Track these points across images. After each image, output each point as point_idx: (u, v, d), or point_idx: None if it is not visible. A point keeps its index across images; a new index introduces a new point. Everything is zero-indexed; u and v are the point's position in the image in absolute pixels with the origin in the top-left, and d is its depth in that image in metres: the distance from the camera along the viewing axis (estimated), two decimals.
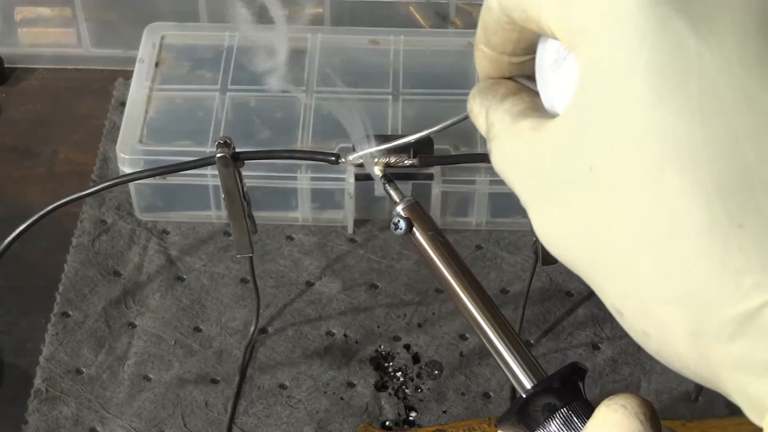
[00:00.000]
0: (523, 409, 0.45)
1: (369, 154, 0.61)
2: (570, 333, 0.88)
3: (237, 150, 0.69)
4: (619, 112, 0.34)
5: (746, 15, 0.34)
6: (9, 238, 0.74)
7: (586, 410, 0.44)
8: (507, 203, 0.92)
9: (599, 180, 0.35)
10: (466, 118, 0.46)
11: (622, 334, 0.87)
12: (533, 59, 0.42)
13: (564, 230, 0.37)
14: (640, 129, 0.34)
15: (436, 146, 0.87)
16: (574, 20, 0.36)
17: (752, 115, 0.33)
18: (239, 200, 0.70)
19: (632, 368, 0.85)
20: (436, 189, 0.91)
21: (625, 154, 0.34)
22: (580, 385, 0.46)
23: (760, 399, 0.32)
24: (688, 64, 0.33)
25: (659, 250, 0.33)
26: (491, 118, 0.42)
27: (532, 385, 0.48)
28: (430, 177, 0.90)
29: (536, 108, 0.41)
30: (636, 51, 0.34)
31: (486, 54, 0.43)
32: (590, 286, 0.38)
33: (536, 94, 0.42)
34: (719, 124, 0.33)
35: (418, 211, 0.56)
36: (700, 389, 0.83)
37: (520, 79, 0.44)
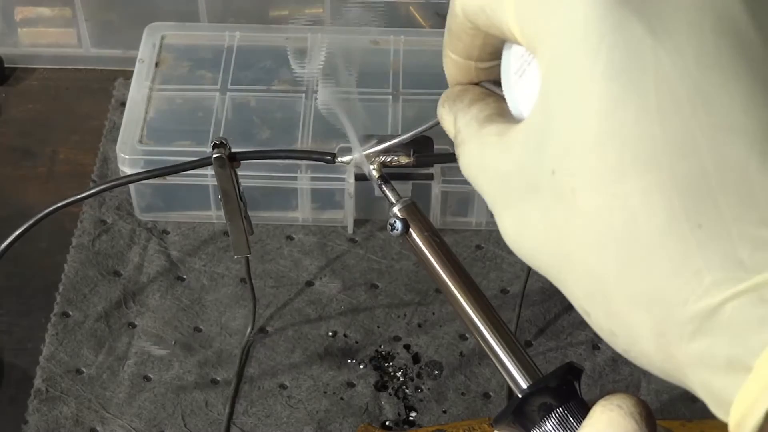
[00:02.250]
0: (519, 409, 0.45)
1: (364, 154, 0.61)
2: (570, 332, 0.88)
3: (233, 150, 0.69)
4: (579, 116, 0.34)
5: (702, 15, 0.34)
6: (9, 240, 0.74)
7: (582, 410, 0.44)
8: None
9: (561, 184, 0.35)
10: (437, 123, 0.46)
11: None
12: (500, 64, 0.42)
13: (528, 233, 0.37)
14: (600, 132, 0.34)
15: (436, 146, 0.87)
16: (534, 25, 0.37)
17: (709, 115, 0.33)
18: (236, 201, 0.70)
19: (632, 368, 0.85)
20: (436, 189, 0.91)
21: (586, 158, 0.34)
22: (576, 384, 0.46)
23: (724, 395, 0.32)
24: (645, 66, 0.33)
25: (620, 252, 0.34)
26: (458, 123, 0.42)
27: (528, 384, 0.48)
28: (430, 177, 0.90)
29: (502, 113, 0.41)
30: (594, 55, 0.34)
31: (453, 60, 0.44)
32: (560, 289, 0.38)
33: (503, 99, 0.42)
34: (677, 125, 0.33)
35: (415, 212, 0.56)
36: None
37: (487, 85, 0.44)
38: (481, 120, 0.41)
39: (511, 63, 0.41)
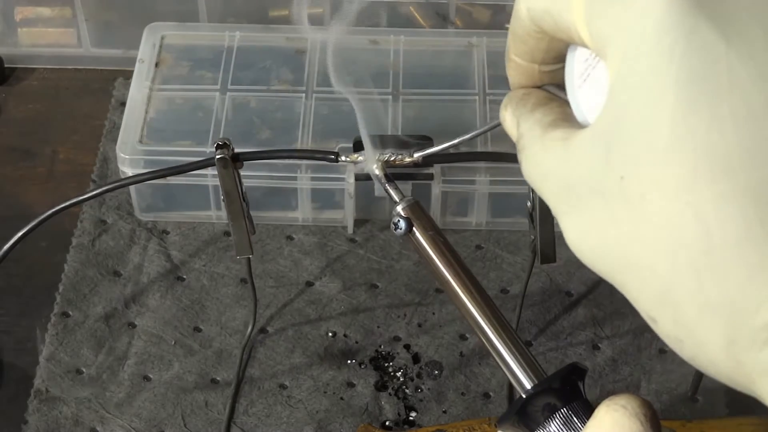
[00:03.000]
0: (523, 410, 0.45)
1: (368, 153, 0.61)
2: (570, 333, 0.88)
3: (236, 151, 0.69)
4: (650, 122, 0.34)
5: None
6: (11, 242, 0.74)
7: (586, 410, 0.44)
8: (507, 203, 0.92)
9: (630, 191, 0.35)
10: (499, 125, 0.46)
11: (622, 334, 0.87)
12: (564, 68, 0.42)
13: (596, 240, 0.37)
14: (671, 139, 0.33)
15: (436, 146, 0.87)
16: (604, 29, 0.36)
17: None
18: (238, 201, 0.70)
19: (632, 368, 0.85)
20: (436, 189, 0.91)
21: (656, 165, 0.34)
22: (580, 385, 0.46)
23: None
24: (719, 73, 0.33)
25: (692, 259, 0.33)
26: (521, 128, 0.42)
27: (532, 385, 0.48)
28: (430, 177, 0.90)
29: (566, 118, 0.41)
30: (666, 60, 0.34)
31: (516, 63, 0.43)
32: (623, 294, 0.37)
33: (567, 103, 0.42)
34: (751, 132, 0.32)
35: (418, 211, 0.56)
36: (696, 387, 0.83)
37: (550, 89, 0.44)
38: (545, 125, 0.41)
39: (575, 67, 0.41)
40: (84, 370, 0.85)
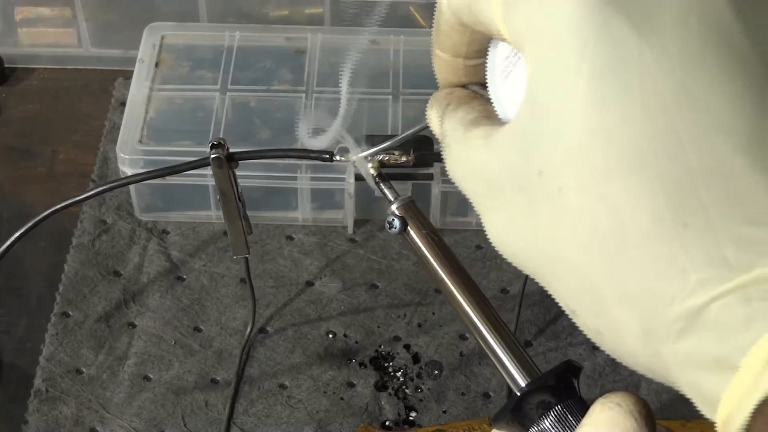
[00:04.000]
0: (517, 407, 0.45)
1: (362, 153, 0.61)
2: (570, 332, 0.88)
3: (231, 150, 0.69)
4: (565, 116, 0.34)
5: (688, 13, 0.34)
6: (9, 241, 0.74)
7: (581, 408, 0.44)
8: None
9: (548, 185, 0.35)
10: (426, 127, 0.46)
11: None
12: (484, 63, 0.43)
13: (514, 233, 0.38)
14: (585, 132, 0.34)
15: (436, 146, 0.87)
16: (520, 26, 0.37)
17: (694, 113, 0.33)
18: (234, 201, 0.70)
19: None
20: (436, 189, 0.91)
21: (571, 158, 0.34)
22: (575, 383, 0.46)
23: (711, 393, 0.32)
24: (630, 65, 0.33)
25: (608, 251, 0.34)
26: (445, 127, 0.42)
27: (526, 383, 0.48)
28: (430, 177, 0.90)
29: (488, 116, 0.41)
30: (578, 56, 0.34)
31: (441, 58, 0.44)
32: (545, 288, 0.38)
33: (489, 101, 0.42)
34: (662, 124, 0.33)
35: (413, 210, 0.56)
36: None
37: (473, 87, 0.44)
38: (466, 123, 0.41)
39: (496, 64, 0.41)
40: (84, 370, 0.85)
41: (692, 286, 0.32)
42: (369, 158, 0.60)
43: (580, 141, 0.34)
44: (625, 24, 0.34)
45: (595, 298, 0.35)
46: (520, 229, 0.37)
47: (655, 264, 0.33)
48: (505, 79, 0.41)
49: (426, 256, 0.55)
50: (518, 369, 0.49)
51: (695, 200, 0.32)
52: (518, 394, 0.47)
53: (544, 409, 0.45)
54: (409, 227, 0.55)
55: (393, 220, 0.55)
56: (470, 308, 0.52)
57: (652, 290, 0.33)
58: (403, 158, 0.64)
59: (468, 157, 0.40)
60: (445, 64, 0.44)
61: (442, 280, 0.54)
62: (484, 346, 0.51)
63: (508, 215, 0.37)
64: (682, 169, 0.33)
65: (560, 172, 0.35)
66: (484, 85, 0.43)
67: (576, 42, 0.34)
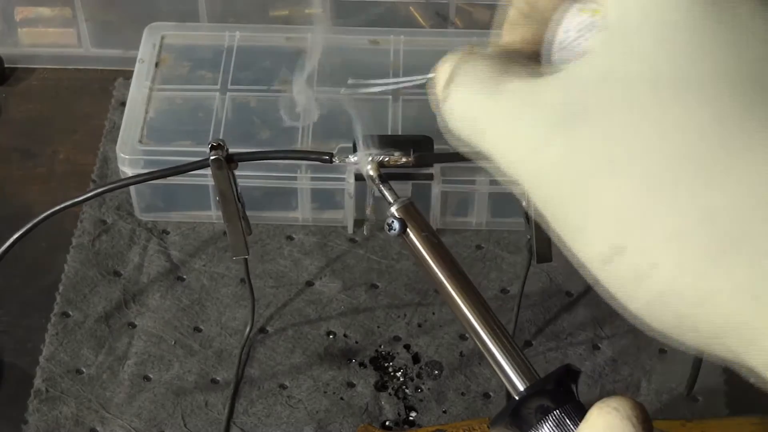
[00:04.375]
0: (515, 412, 0.45)
1: (361, 154, 0.61)
2: (570, 333, 0.88)
3: (231, 151, 0.69)
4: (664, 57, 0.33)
5: None
6: (9, 241, 0.74)
7: (578, 412, 0.44)
8: (507, 203, 0.92)
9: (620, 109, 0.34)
10: (420, 79, 0.45)
11: (622, 334, 0.87)
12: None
13: (559, 167, 0.35)
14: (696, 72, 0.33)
15: (436, 145, 0.87)
16: None
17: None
18: (233, 202, 0.70)
19: (632, 368, 0.85)
20: (436, 189, 0.91)
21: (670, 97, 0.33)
22: (573, 387, 0.46)
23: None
24: (725, 27, 0.33)
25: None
26: (459, 74, 0.40)
27: (524, 387, 0.48)
28: (430, 177, 0.89)
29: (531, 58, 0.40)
30: (672, 11, 0.34)
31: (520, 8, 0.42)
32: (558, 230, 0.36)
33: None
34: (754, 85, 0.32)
35: (413, 212, 0.56)
36: (692, 384, 0.83)
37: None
38: (498, 69, 0.39)
39: (569, 31, 0.40)
40: (84, 370, 0.85)
41: None
42: (368, 159, 0.60)
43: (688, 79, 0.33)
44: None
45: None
46: (567, 158, 0.35)
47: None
48: (574, 49, 0.39)
49: (425, 259, 0.55)
50: (517, 373, 0.49)
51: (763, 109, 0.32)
52: (516, 398, 0.47)
53: (543, 414, 0.44)
54: (408, 229, 0.55)
55: (392, 221, 0.55)
56: (469, 312, 0.52)
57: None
58: (403, 159, 0.64)
59: (501, 105, 0.37)
60: (521, 14, 0.42)
61: (440, 283, 0.54)
62: (483, 350, 0.51)
63: (566, 142, 0.35)
64: (749, 81, 0.32)
65: (634, 100, 0.33)
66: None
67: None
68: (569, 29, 0.40)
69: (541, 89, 0.36)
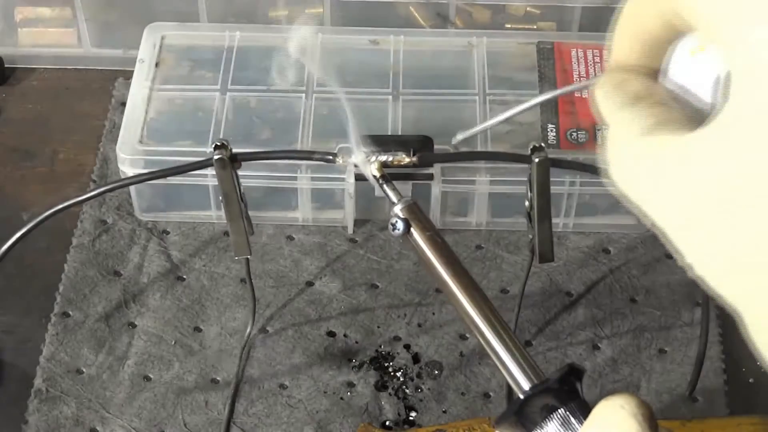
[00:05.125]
0: (521, 410, 0.46)
1: (365, 154, 0.61)
2: (570, 333, 0.88)
3: (234, 151, 0.69)
4: None
5: None
6: (10, 241, 0.74)
7: (583, 411, 0.44)
8: (507, 203, 0.92)
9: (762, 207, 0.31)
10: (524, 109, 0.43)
11: (622, 334, 0.87)
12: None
13: (726, 253, 0.32)
14: None
15: (436, 146, 0.87)
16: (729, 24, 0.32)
17: None
18: (237, 202, 0.71)
19: (632, 368, 0.85)
20: (436, 189, 0.91)
21: None
22: (578, 386, 0.46)
23: None
24: None
25: None
26: (610, 132, 0.37)
27: (530, 386, 0.48)
28: (430, 177, 0.90)
29: (671, 119, 0.36)
30: None
31: (629, 27, 0.38)
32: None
33: (670, 98, 0.38)
34: None
35: (416, 212, 0.56)
36: (693, 387, 0.83)
37: (664, 82, 0.39)
38: (644, 129, 0.35)
39: (690, 53, 0.37)
40: (84, 370, 0.85)
41: None
42: (371, 160, 0.60)
43: None
44: None
45: None
46: (734, 249, 0.32)
47: None
48: (702, 71, 0.37)
49: (429, 258, 0.55)
50: (522, 372, 0.49)
51: None
52: (522, 396, 0.47)
53: (548, 412, 0.45)
54: (412, 229, 0.55)
55: (396, 222, 0.55)
56: (473, 311, 0.52)
57: None
58: (407, 160, 0.64)
59: (653, 170, 0.34)
60: (631, 33, 0.38)
61: (445, 282, 0.54)
62: (487, 349, 0.51)
63: (709, 235, 0.32)
64: None
65: None
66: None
67: None
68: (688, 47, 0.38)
69: (689, 160, 0.33)
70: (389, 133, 0.92)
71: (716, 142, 0.32)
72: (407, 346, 0.87)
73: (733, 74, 0.32)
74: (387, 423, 0.83)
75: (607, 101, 0.38)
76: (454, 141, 0.63)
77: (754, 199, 0.30)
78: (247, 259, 0.77)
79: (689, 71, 0.37)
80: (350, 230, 0.95)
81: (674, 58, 0.38)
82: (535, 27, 1.04)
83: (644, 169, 0.35)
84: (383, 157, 0.61)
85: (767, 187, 0.30)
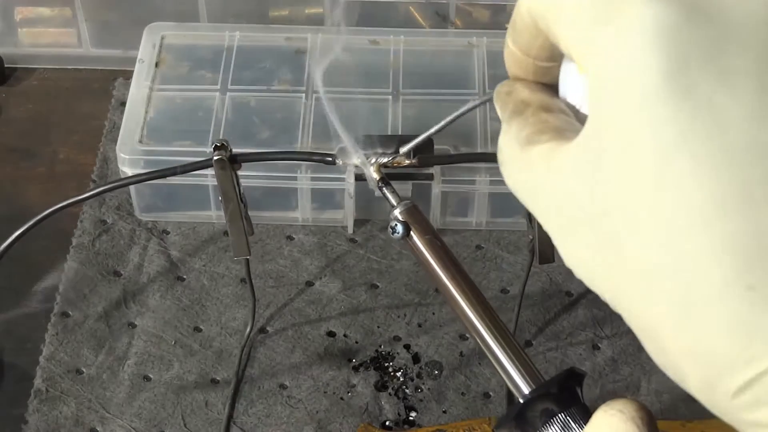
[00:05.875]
0: (520, 415, 0.45)
1: (365, 156, 0.61)
2: (570, 333, 0.88)
3: (234, 152, 0.69)
4: (632, 163, 0.33)
5: (764, 64, 0.33)
6: (9, 240, 0.74)
7: (583, 415, 0.44)
8: (507, 203, 0.92)
9: (613, 229, 0.34)
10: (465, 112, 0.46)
11: (622, 334, 0.87)
12: (558, 66, 0.42)
13: (583, 263, 0.37)
14: (652, 185, 0.33)
15: (436, 146, 0.87)
16: (588, 58, 0.35)
17: (767, 170, 0.31)
18: (236, 202, 0.71)
19: (632, 368, 0.85)
20: (436, 189, 0.91)
21: (638, 210, 0.33)
22: (578, 390, 0.46)
23: None
24: (702, 117, 0.32)
25: (671, 307, 0.33)
26: (500, 140, 0.41)
27: (529, 390, 0.48)
28: (430, 177, 0.90)
29: (544, 129, 0.39)
30: (648, 100, 0.33)
31: (512, 51, 0.42)
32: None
33: (552, 106, 0.41)
34: (732, 181, 0.31)
35: (416, 215, 0.56)
36: None
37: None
38: (521, 141, 0.40)
39: (570, 78, 0.40)
40: (84, 370, 0.85)
41: (754, 352, 0.31)
42: (371, 161, 0.60)
43: (645, 193, 0.33)
44: (699, 71, 0.32)
45: (659, 342, 0.34)
46: (588, 261, 0.36)
47: (718, 325, 0.32)
48: (577, 93, 0.40)
49: (429, 262, 0.55)
50: (522, 376, 0.49)
51: (763, 263, 0.31)
52: (522, 400, 0.47)
53: (547, 417, 0.45)
54: (412, 232, 0.55)
55: (396, 225, 0.55)
56: (474, 315, 0.52)
57: (715, 350, 0.32)
58: (407, 161, 0.64)
59: (527, 178, 0.39)
60: (515, 58, 0.42)
61: (445, 285, 0.54)
62: (487, 353, 0.51)
63: (575, 243, 0.37)
64: (751, 230, 0.31)
65: (626, 220, 0.33)
66: (554, 87, 0.42)
67: (645, 85, 0.33)
68: (569, 72, 0.41)
69: (548, 180, 0.37)
70: (389, 133, 0.92)
71: (570, 158, 0.36)
72: (407, 346, 0.87)
73: (588, 98, 0.35)
74: (387, 423, 0.83)
75: (498, 109, 0.42)
76: (402, 151, 0.63)
77: (593, 218, 0.35)
78: (247, 259, 0.77)
79: (576, 88, 0.40)
80: (350, 230, 0.95)
81: (562, 75, 0.41)
82: None
83: (522, 177, 0.39)
84: (382, 159, 0.61)
85: (602, 207, 0.34)
